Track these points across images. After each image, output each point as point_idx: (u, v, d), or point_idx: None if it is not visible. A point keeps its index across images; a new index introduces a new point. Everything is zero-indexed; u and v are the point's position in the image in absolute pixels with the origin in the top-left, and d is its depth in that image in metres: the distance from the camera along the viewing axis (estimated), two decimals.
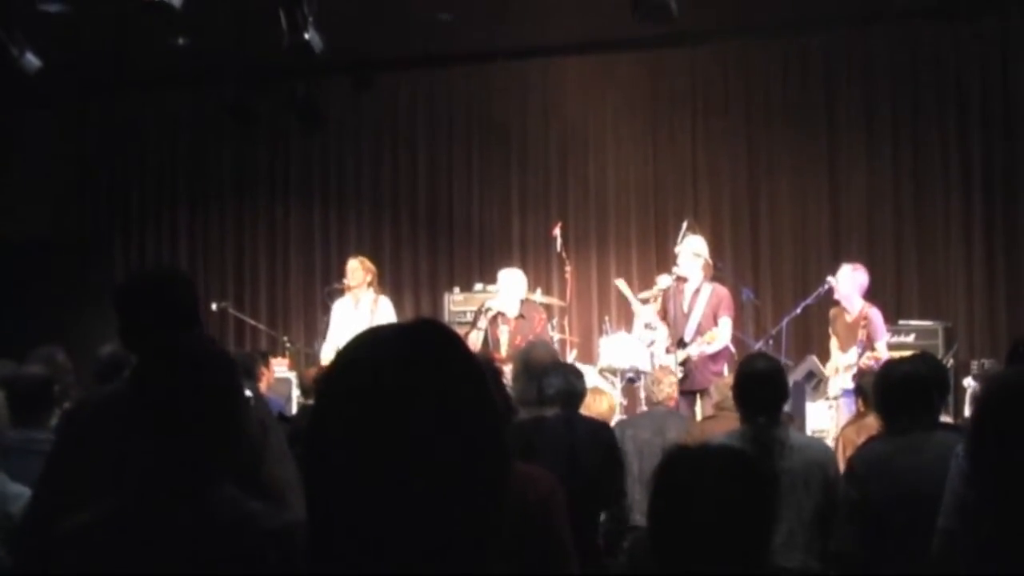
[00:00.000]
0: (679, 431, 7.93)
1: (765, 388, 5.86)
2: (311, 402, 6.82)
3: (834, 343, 11.19)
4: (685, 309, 11.10)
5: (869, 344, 10.66)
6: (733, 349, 11.49)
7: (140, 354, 3.14)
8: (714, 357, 11.01)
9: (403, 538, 1.58)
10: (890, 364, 6.16)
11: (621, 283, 12.49)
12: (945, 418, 7.98)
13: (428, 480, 1.59)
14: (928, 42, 13.42)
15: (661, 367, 9.80)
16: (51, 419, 6.08)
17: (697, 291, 11.16)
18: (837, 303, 11.14)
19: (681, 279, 11.21)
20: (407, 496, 1.58)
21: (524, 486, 4.16)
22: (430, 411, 1.60)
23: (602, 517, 6.75)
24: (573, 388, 6.82)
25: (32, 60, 11.86)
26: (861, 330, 10.69)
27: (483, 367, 1.71)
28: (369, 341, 1.70)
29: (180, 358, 2.90)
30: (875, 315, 10.90)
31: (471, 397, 1.66)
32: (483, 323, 11.23)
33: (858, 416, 8.37)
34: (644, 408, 10.10)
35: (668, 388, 8.69)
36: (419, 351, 1.65)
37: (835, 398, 10.85)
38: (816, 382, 11.06)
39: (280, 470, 3.89)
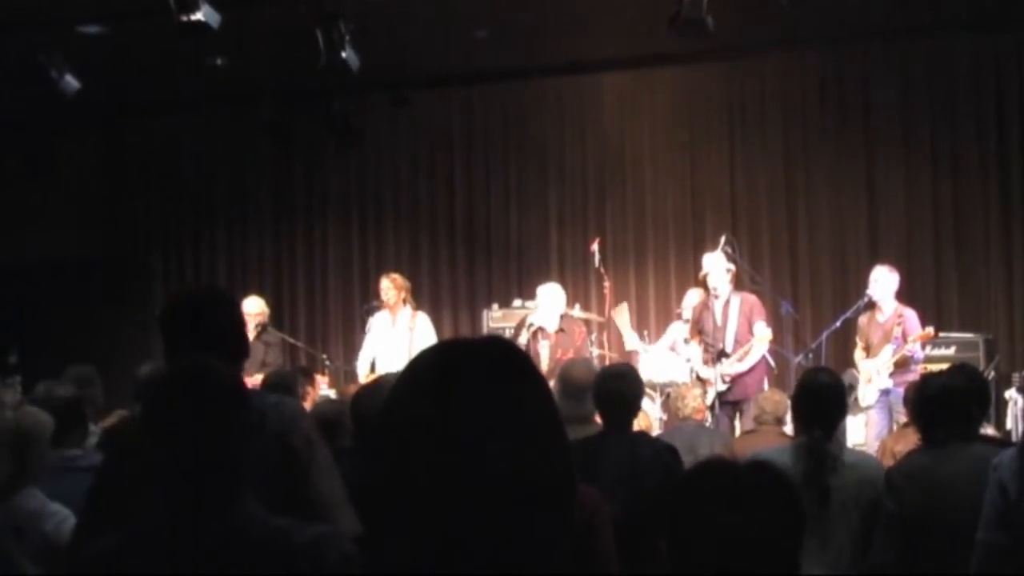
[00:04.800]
0: (711, 445, 7.89)
1: (825, 402, 5.83)
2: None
3: (859, 354, 11.16)
4: (719, 322, 11.14)
5: (905, 341, 10.65)
6: (772, 363, 11.49)
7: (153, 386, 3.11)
8: (752, 370, 11.02)
9: (469, 556, 1.59)
10: (927, 377, 6.15)
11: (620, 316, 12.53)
12: (989, 430, 7.97)
13: (499, 498, 1.59)
14: (968, 56, 13.37)
15: (683, 383, 9.78)
16: (85, 437, 6.15)
17: (727, 303, 11.19)
18: (870, 307, 11.13)
19: (713, 296, 11.25)
20: (478, 513, 1.59)
21: None
22: (506, 427, 1.61)
23: None
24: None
25: (71, 82, 11.96)
26: (896, 327, 10.68)
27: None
28: (442, 356, 1.69)
29: (182, 390, 2.90)
30: (911, 314, 10.92)
31: (545, 415, 1.67)
32: (524, 338, 11.22)
33: (903, 426, 8.35)
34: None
35: (693, 403, 8.62)
36: (495, 369, 1.66)
37: (868, 408, 10.81)
38: (854, 396, 11.04)
39: (326, 486, 3.91)
